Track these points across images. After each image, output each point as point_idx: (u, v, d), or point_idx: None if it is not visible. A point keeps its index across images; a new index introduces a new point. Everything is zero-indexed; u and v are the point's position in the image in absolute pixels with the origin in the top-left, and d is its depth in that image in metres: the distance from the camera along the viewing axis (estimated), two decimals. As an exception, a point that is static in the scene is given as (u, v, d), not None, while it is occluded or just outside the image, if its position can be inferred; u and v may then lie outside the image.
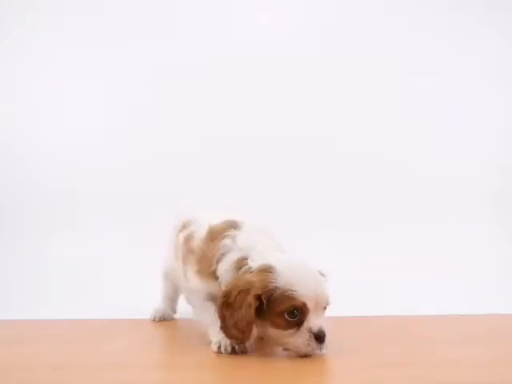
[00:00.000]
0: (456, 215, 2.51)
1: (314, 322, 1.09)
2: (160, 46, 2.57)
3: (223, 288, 1.15)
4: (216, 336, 1.17)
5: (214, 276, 1.19)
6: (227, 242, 1.20)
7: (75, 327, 1.49)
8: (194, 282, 1.25)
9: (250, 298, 1.07)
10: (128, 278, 2.06)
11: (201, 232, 1.28)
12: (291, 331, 1.09)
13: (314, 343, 1.08)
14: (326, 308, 1.13)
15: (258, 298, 1.07)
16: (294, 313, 1.08)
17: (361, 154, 2.55)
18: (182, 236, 1.38)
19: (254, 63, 2.55)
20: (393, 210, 2.50)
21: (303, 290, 1.08)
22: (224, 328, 1.12)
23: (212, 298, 1.22)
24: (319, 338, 1.08)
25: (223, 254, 1.19)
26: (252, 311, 1.06)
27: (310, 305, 1.08)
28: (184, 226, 1.40)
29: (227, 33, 2.58)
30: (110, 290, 1.95)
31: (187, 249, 1.31)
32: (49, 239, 2.36)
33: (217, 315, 1.13)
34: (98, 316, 1.58)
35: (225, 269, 1.17)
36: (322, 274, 1.15)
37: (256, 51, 2.57)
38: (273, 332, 1.11)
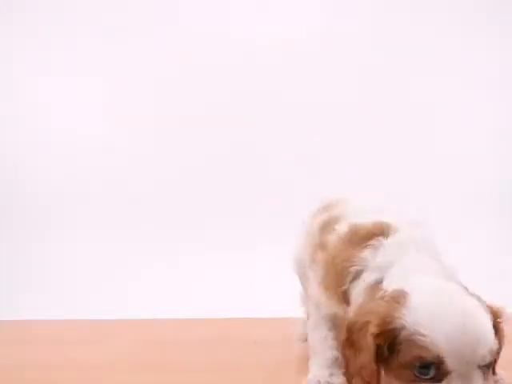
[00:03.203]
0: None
1: None
2: (160, 43, 2.56)
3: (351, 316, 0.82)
4: (315, 371, 0.89)
5: (344, 298, 0.88)
6: (367, 253, 0.86)
7: (75, 327, 1.49)
8: (315, 293, 0.95)
9: (369, 338, 0.74)
10: (128, 278, 2.06)
11: (342, 227, 0.93)
12: None
13: None
14: (485, 366, 0.71)
15: (378, 337, 0.73)
16: (427, 367, 0.70)
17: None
18: (317, 221, 1.04)
19: (256, 63, 2.54)
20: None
21: (439, 337, 0.69)
22: (346, 374, 0.82)
23: (334, 320, 0.93)
24: None
25: (359, 272, 0.86)
26: (371, 356, 0.73)
27: (450, 360, 0.69)
28: (324, 209, 1.07)
29: (228, 32, 2.57)
30: (110, 290, 1.95)
31: (321, 242, 0.97)
32: (49, 239, 2.35)
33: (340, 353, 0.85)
34: (97, 316, 1.58)
35: (358, 292, 0.85)
36: (493, 312, 0.75)
37: (257, 51, 2.56)
38: None
